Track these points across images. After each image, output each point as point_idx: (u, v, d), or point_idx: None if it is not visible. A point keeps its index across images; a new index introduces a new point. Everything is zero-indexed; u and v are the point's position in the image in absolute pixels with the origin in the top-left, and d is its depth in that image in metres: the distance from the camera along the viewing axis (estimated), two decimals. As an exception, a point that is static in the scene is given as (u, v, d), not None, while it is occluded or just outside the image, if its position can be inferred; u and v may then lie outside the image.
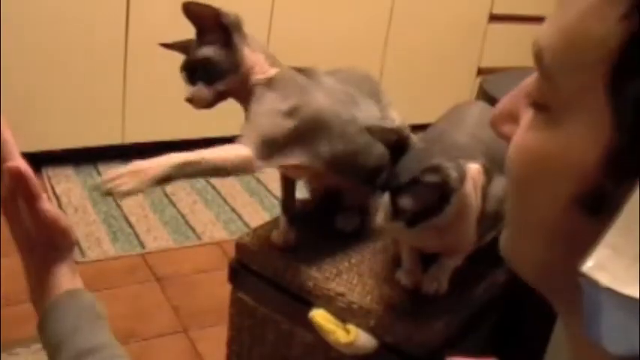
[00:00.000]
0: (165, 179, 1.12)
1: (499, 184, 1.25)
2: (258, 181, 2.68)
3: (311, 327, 1.28)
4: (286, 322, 1.35)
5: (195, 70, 1.23)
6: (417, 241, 1.22)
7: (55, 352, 0.80)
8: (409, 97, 2.81)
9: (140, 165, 1.10)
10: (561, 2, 0.45)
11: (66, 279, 0.85)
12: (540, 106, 0.46)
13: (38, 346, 1.74)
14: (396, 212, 1.07)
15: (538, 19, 3.44)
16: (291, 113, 1.21)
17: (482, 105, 1.39)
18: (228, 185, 2.63)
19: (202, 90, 1.23)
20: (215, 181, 2.66)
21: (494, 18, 3.32)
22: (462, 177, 1.10)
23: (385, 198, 1.09)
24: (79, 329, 0.81)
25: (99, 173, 2.63)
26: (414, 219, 1.07)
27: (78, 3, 2.42)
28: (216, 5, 1.22)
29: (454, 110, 1.36)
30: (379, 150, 1.33)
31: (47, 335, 0.82)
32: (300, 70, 1.30)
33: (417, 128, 1.45)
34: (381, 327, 1.23)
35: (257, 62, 1.24)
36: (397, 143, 1.10)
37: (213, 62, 1.21)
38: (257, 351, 1.42)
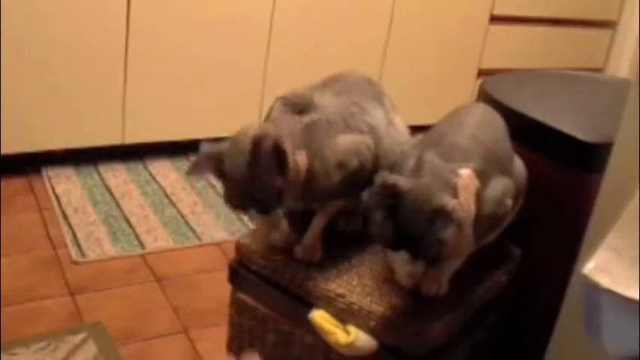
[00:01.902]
0: None
1: (497, 185, 1.25)
2: (259, 181, 2.67)
3: (311, 328, 1.28)
4: (286, 323, 1.35)
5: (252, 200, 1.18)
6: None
7: None
8: (409, 98, 2.81)
9: None
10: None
11: None
12: None
13: (38, 346, 1.75)
14: (415, 260, 1.11)
15: (539, 21, 3.44)
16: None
17: (482, 107, 1.39)
18: (228, 186, 2.63)
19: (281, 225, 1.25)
20: (215, 181, 2.66)
21: (494, 19, 3.31)
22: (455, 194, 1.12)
23: (398, 256, 1.12)
24: None
25: (99, 173, 2.63)
26: (436, 258, 1.11)
27: (78, 3, 2.42)
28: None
29: (455, 112, 1.36)
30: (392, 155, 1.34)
31: None
32: (297, 107, 1.26)
33: (418, 129, 1.45)
34: (381, 328, 1.23)
35: (299, 165, 1.21)
36: (394, 200, 1.11)
37: (279, 193, 1.17)
38: (257, 351, 1.42)
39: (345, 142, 1.26)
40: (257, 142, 1.14)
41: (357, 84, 1.37)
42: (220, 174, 1.19)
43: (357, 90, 1.35)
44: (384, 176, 1.11)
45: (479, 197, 1.18)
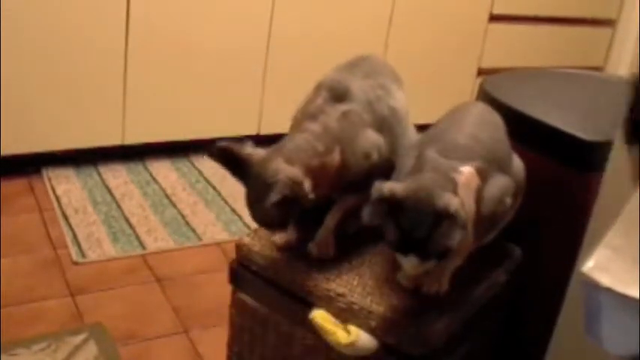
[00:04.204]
0: None
1: (497, 184, 1.25)
2: (259, 181, 2.67)
3: (311, 328, 1.28)
4: (287, 323, 1.35)
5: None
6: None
7: None
8: (409, 97, 2.80)
9: None
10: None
11: None
12: None
13: (38, 346, 1.75)
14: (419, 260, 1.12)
15: (538, 20, 3.44)
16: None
17: (481, 106, 1.39)
18: (228, 186, 2.63)
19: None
20: (215, 181, 2.66)
21: (494, 18, 3.31)
22: (455, 191, 1.12)
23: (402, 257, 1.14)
24: None
25: (99, 174, 2.63)
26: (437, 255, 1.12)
27: (78, 3, 2.42)
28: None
29: (454, 111, 1.36)
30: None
31: None
32: (337, 96, 1.32)
33: (418, 128, 1.46)
34: (381, 328, 1.23)
35: (333, 161, 1.28)
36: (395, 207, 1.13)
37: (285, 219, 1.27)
38: (257, 352, 1.42)
39: (372, 136, 1.33)
40: (275, 188, 1.18)
41: (381, 65, 1.46)
42: (240, 179, 1.25)
43: (382, 71, 1.42)
44: (378, 188, 1.11)
45: (479, 195, 1.17)
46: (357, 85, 1.35)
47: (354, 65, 1.41)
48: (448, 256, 1.13)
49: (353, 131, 1.30)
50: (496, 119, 1.35)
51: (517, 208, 1.37)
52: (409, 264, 1.15)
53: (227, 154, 1.24)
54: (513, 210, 1.35)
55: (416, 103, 2.96)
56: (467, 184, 1.14)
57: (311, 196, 1.22)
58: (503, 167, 1.28)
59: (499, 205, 1.25)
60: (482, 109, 1.36)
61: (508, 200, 1.28)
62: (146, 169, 2.72)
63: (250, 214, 1.25)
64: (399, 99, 1.41)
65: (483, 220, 1.21)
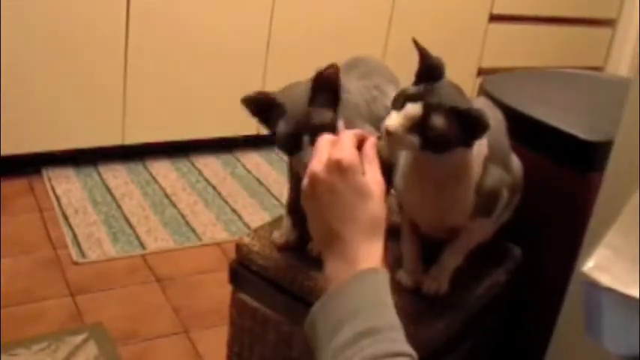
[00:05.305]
0: None
1: (496, 173, 1.25)
2: (259, 181, 2.68)
3: (311, 327, 1.28)
4: (287, 323, 1.35)
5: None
6: (415, 199, 1.23)
7: (332, 333, 0.79)
8: (409, 97, 2.80)
9: None
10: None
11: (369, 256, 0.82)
12: None
13: (38, 346, 1.75)
14: (419, 127, 1.07)
15: (538, 20, 3.44)
16: None
17: (482, 100, 1.40)
18: (228, 186, 2.63)
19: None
20: (215, 181, 2.66)
21: (494, 18, 3.31)
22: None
23: (412, 109, 1.09)
24: (362, 310, 0.79)
25: (99, 174, 2.63)
26: (434, 141, 1.07)
27: (78, 3, 2.42)
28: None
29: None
30: None
31: (327, 315, 0.83)
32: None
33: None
34: (381, 327, 1.22)
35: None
36: None
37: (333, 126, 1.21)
38: (257, 352, 1.42)
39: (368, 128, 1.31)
40: (320, 74, 1.17)
41: (378, 66, 1.45)
42: (268, 117, 1.27)
43: (378, 72, 1.42)
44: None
45: (485, 168, 1.19)
46: (353, 86, 1.34)
47: (350, 66, 1.40)
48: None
49: (348, 118, 1.30)
50: (497, 114, 1.35)
51: (515, 208, 1.37)
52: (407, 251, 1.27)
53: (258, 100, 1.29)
54: (511, 208, 1.35)
55: (416, 103, 2.91)
56: (480, 145, 1.14)
57: None
58: (502, 161, 1.28)
59: (497, 190, 1.24)
60: (484, 104, 1.37)
61: (505, 193, 1.28)
62: (146, 169, 2.72)
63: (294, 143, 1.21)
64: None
65: (483, 195, 1.20)
